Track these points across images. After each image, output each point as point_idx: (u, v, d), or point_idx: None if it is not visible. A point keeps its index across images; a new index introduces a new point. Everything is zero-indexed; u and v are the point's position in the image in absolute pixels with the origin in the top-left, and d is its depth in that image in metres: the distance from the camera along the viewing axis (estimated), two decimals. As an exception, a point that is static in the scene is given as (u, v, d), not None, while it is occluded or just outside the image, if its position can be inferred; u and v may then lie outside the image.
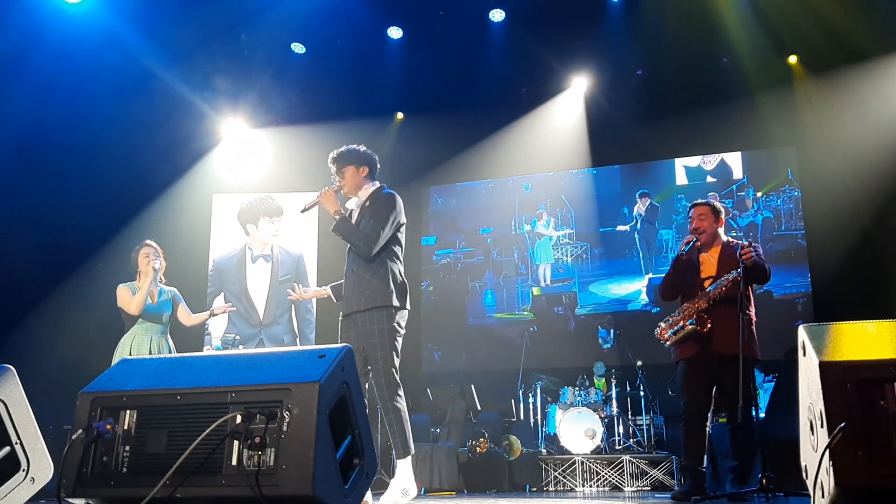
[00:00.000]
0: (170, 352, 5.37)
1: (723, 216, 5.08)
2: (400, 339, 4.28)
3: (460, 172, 10.47)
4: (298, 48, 9.18)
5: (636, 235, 9.90)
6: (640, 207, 9.94)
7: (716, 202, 5.16)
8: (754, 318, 4.78)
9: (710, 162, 9.83)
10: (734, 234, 9.06)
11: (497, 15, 8.81)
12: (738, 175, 9.69)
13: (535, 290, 10.26)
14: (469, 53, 9.12)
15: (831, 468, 2.39)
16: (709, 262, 4.93)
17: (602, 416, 7.84)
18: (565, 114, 9.86)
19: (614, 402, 8.13)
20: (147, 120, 8.74)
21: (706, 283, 4.82)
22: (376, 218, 4.29)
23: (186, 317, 5.63)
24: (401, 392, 4.24)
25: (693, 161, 9.92)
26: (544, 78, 9.56)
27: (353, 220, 4.38)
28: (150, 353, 5.26)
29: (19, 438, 2.86)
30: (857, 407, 2.41)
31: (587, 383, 8.36)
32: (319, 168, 9.49)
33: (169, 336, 5.52)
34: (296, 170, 9.84)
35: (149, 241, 5.70)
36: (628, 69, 9.42)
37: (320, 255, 9.60)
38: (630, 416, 8.16)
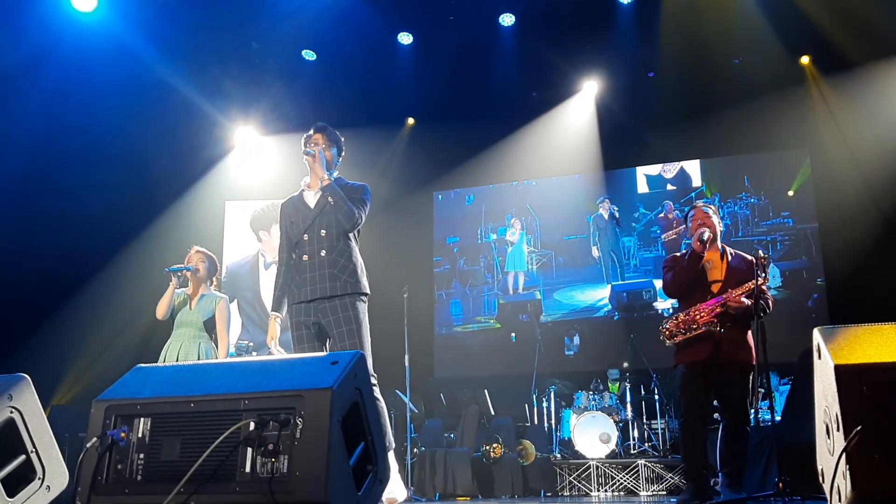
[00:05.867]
0: (198, 358, 5.27)
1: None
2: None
3: (470, 177, 10.47)
4: (309, 55, 9.21)
5: (596, 241, 9.98)
6: (604, 213, 9.99)
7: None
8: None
9: (669, 170, 9.95)
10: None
11: (507, 20, 8.81)
12: (697, 183, 9.82)
13: (501, 299, 10.31)
14: (479, 58, 9.12)
15: (848, 472, 2.37)
16: (715, 265, 4.82)
17: (616, 420, 7.80)
18: (576, 117, 9.85)
19: (629, 406, 8.09)
20: (159, 128, 8.80)
21: (714, 287, 4.73)
22: (358, 200, 4.24)
23: (219, 322, 5.50)
24: (376, 382, 4.01)
25: (653, 169, 10.01)
26: (555, 82, 9.56)
27: (314, 206, 4.25)
28: (178, 359, 5.22)
29: (35, 447, 2.88)
30: (872, 410, 2.39)
31: (601, 387, 8.33)
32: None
33: (204, 342, 5.39)
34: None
35: (195, 248, 5.65)
36: (639, 72, 9.40)
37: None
38: (645, 420, 8.12)
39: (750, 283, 4.59)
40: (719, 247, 4.87)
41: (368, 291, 4.20)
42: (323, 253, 4.13)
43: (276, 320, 4.24)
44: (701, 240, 4.69)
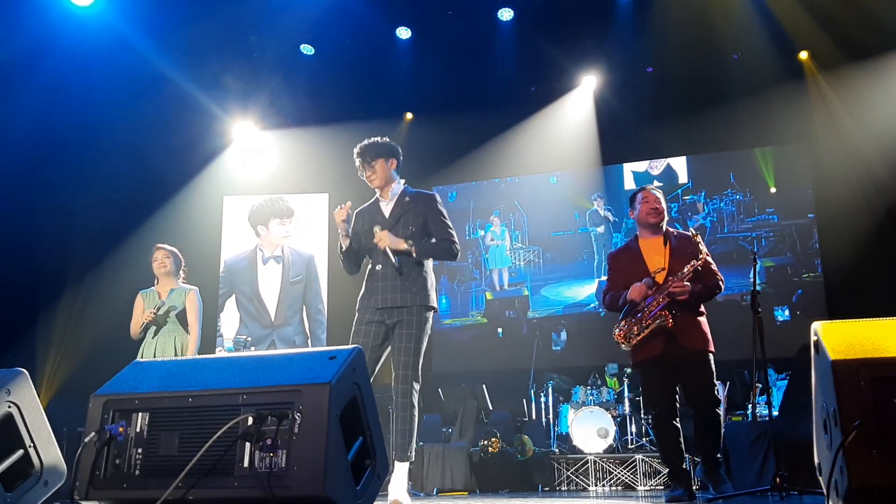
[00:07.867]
0: (174, 354, 5.28)
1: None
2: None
3: (469, 172, 10.45)
4: (308, 49, 9.20)
5: (593, 238, 10.02)
6: (599, 209, 10.02)
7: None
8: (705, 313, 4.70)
9: (656, 167, 9.99)
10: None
11: (506, 14, 8.79)
12: (683, 179, 9.85)
13: (488, 295, 10.35)
14: (478, 53, 9.11)
15: (845, 467, 2.37)
16: (656, 252, 4.66)
17: (614, 414, 7.82)
18: (575, 112, 9.84)
19: (626, 400, 8.10)
20: (158, 122, 8.78)
21: (658, 277, 4.56)
22: (439, 222, 4.29)
23: (190, 314, 5.53)
24: (418, 388, 4.23)
25: (640, 166, 10.03)
26: (554, 76, 9.54)
27: (389, 216, 4.28)
28: (154, 356, 5.24)
29: (32, 441, 2.88)
30: (870, 405, 2.39)
31: (599, 382, 8.34)
32: (329, 169, 9.53)
33: (181, 336, 5.40)
34: (306, 171, 9.86)
35: (158, 245, 5.67)
36: (638, 67, 9.39)
37: (331, 257, 9.61)
38: (642, 415, 8.13)
39: (691, 266, 4.49)
40: (663, 229, 4.73)
41: (437, 306, 4.31)
42: (399, 264, 4.19)
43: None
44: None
